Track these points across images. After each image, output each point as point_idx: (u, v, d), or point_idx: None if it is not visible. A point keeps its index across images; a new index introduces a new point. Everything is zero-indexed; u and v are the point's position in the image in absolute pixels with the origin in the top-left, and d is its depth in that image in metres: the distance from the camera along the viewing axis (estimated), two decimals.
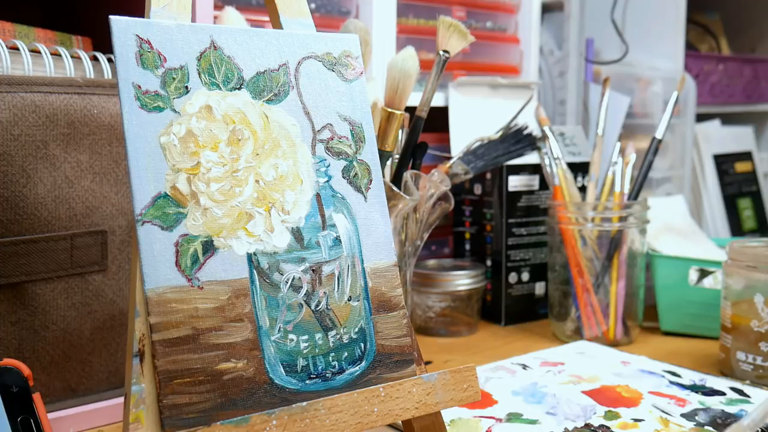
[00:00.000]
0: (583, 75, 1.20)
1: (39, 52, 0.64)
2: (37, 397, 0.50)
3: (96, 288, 0.64)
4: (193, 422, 0.42)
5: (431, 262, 1.00)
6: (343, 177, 0.51)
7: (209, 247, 0.45)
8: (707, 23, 1.57)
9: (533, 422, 0.62)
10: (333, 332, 0.48)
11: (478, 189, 1.01)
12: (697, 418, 0.63)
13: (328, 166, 0.50)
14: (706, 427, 0.61)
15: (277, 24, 0.52)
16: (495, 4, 1.11)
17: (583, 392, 0.69)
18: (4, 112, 0.59)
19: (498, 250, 0.98)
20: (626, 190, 0.92)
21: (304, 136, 0.50)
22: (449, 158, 0.89)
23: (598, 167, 0.94)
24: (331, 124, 0.51)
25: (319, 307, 0.48)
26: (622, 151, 0.94)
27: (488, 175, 0.98)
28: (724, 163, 1.39)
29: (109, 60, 0.68)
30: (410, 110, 0.78)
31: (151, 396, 0.42)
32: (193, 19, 0.66)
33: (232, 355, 0.44)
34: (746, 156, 1.46)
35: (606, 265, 0.89)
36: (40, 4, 0.90)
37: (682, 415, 0.64)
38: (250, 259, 0.46)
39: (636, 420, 0.63)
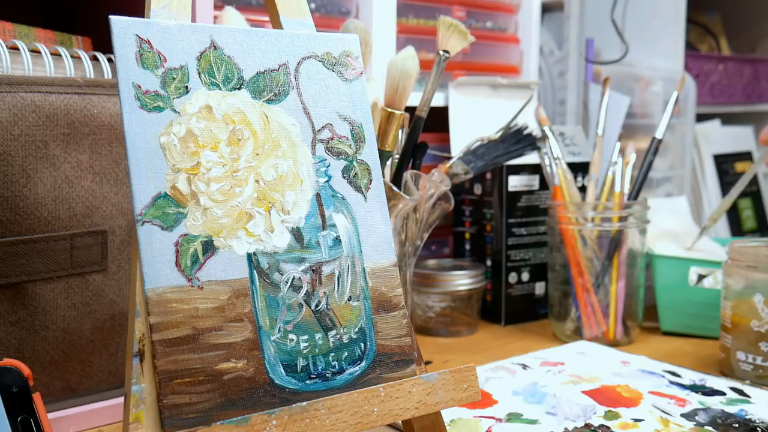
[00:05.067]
0: (583, 75, 1.20)
1: (39, 52, 0.64)
2: (37, 397, 0.50)
3: (96, 288, 0.64)
4: (193, 422, 0.42)
5: (431, 262, 1.00)
6: (343, 177, 0.51)
7: (209, 247, 0.45)
8: (707, 23, 1.58)
9: (533, 422, 0.62)
10: (333, 332, 0.48)
11: (478, 189, 1.01)
12: (697, 418, 0.63)
13: (328, 166, 0.50)
14: (706, 427, 0.61)
15: (277, 24, 0.52)
16: (495, 4, 1.11)
17: (583, 392, 0.69)
18: (4, 112, 0.59)
19: (498, 250, 0.98)
20: (626, 190, 0.92)
21: (304, 136, 0.50)
22: (449, 158, 0.89)
23: (598, 167, 0.94)
24: (331, 124, 0.51)
25: (319, 307, 0.48)
26: (622, 151, 0.94)
27: (488, 175, 0.98)
28: (724, 163, 1.39)
29: (109, 60, 0.68)
30: (410, 110, 0.78)
31: (151, 396, 0.42)
32: (193, 19, 0.66)
33: (232, 355, 0.44)
34: (746, 156, 1.46)
35: (606, 265, 0.89)
36: (40, 4, 0.90)
37: (682, 415, 0.64)
38: (250, 259, 0.46)
39: (636, 420, 0.63)
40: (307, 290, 0.48)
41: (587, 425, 0.62)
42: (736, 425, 0.62)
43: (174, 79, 0.46)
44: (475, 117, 1.03)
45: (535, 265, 1.00)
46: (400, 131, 0.79)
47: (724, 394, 0.69)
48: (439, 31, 0.78)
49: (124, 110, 0.44)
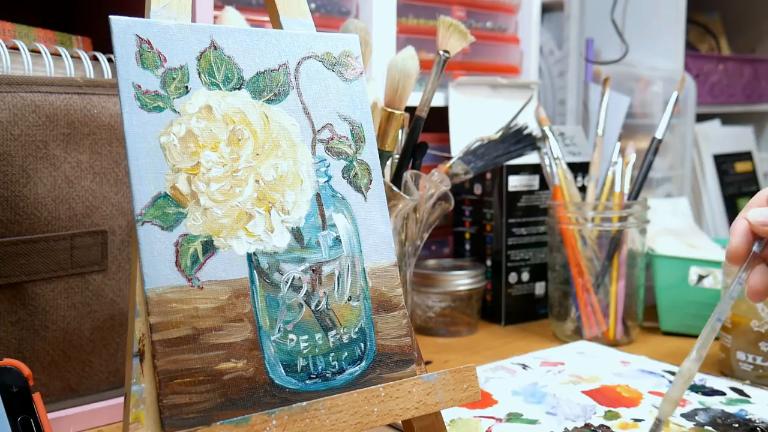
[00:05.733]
0: (583, 75, 1.20)
1: (39, 52, 0.64)
2: (37, 397, 0.50)
3: (96, 288, 0.64)
4: (193, 422, 0.42)
5: (431, 262, 1.00)
6: (343, 177, 0.51)
7: (209, 247, 0.45)
8: (707, 23, 1.58)
9: (533, 422, 0.62)
10: (333, 332, 0.48)
11: (478, 189, 1.01)
12: (697, 418, 0.63)
13: (328, 166, 0.50)
14: (706, 427, 0.61)
15: (277, 24, 0.52)
16: (495, 4, 1.11)
17: (583, 392, 0.69)
18: (4, 112, 0.59)
19: (498, 250, 0.98)
20: (626, 190, 0.92)
21: (304, 136, 0.50)
22: (449, 158, 0.89)
23: (598, 167, 0.94)
24: (331, 124, 0.51)
25: (319, 307, 0.48)
26: (622, 151, 0.94)
27: (488, 175, 0.98)
28: (724, 163, 1.39)
29: (109, 60, 0.68)
30: (410, 110, 0.78)
31: (151, 396, 0.42)
32: (193, 19, 0.66)
33: (232, 355, 0.44)
34: (746, 156, 1.46)
35: (606, 265, 0.89)
36: (40, 4, 0.90)
37: (682, 415, 0.64)
38: (250, 259, 0.46)
39: (636, 420, 0.63)
40: (307, 290, 0.48)
41: (587, 425, 0.62)
42: (736, 425, 0.62)
43: (174, 79, 0.46)
44: (475, 117, 1.03)
45: (535, 265, 1.00)
46: (400, 131, 0.79)
47: (724, 394, 0.69)
48: (439, 31, 0.78)
49: (124, 110, 0.44)
